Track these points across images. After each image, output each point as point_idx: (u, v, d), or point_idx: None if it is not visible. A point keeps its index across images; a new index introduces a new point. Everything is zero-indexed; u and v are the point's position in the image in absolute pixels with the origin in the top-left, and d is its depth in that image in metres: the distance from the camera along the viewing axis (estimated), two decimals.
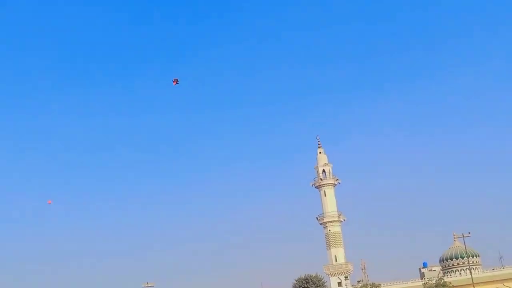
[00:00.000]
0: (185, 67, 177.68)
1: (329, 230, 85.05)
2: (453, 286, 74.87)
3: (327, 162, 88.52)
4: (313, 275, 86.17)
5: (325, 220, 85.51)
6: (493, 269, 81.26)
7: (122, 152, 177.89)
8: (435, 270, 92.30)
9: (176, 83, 74.68)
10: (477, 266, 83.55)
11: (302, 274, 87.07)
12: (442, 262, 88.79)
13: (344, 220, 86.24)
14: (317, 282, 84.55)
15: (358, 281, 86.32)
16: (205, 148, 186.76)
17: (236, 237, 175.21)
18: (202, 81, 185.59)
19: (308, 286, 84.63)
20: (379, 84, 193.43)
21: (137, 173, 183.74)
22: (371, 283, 77.55)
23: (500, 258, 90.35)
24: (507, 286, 77.51)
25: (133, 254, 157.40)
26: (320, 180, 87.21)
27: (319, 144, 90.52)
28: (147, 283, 78.53)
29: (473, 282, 71.02)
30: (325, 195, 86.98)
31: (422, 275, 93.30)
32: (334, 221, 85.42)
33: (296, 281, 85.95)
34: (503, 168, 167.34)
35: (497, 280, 77.07)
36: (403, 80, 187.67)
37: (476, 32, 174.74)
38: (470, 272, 74.22)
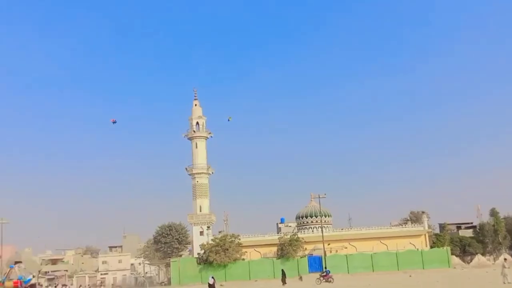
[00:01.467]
0: None
1: (197, 182, 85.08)
2: (305, 241, 77.51)
3: (201, 115, 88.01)
4: (177, 223, 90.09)
5: (194, 172, 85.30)
6: (342, 229, 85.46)
7: None
8: (290, 226, 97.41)
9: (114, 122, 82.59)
10: (329, 225, 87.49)
11: (166, 221, 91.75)
12: (298, 219, 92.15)
13: (212, 173, 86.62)
14: (180, 230, 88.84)
15: (219, 232, 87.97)
16: None
17: (102, 182, 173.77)
18: None
19: (171, 233, 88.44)
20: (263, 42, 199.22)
21: None
22: (231, 234, 79.08)
23: (349, 220, 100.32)
24: (352, 245, 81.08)
25: None
26: (193, 132, 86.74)
27: (195, 96, 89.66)
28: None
29: (323, 239, 73.52)
30: (196, 147, 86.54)
31: (279, 230, 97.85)
32: (202, 173, 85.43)
33: (159, 227, 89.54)
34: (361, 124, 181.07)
35: (344, 239, 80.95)
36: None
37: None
38: (322, 230, 76.31)
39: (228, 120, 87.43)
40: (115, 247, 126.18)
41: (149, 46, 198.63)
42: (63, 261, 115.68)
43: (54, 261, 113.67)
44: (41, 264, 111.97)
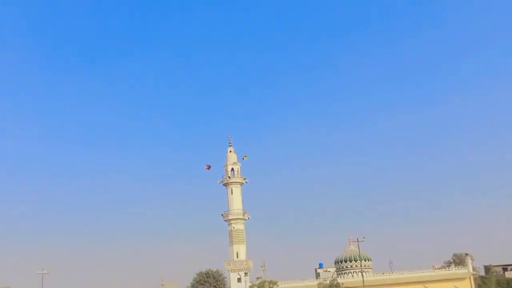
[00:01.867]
0: None
1: (233, 227, 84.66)
2: (345, 286, 77.51)
3: (236, 161, 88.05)
4: (214, 270, 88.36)
5: (229, 217, 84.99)
6: (383, 273, 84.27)
7: None
8: (329, 271, 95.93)
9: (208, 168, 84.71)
10: (369, 270, 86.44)
11: (203, 268, 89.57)
12: (336, 264, 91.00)
13: (248, 218, 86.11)
14: (217, 277, 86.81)
15: (257, 278, 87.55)
16: None
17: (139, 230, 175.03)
18: None
19: (209, 280, 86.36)
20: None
21: None
22: (269, 280, 78.76)
23: (390, 263, 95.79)
24: None
25: None
26: (228, 178, 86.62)
27: (230, 143, 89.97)
28: None
29: (363, 284, 73.68)
30: (231, 193, 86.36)
31: (318, 275, 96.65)
32: (238, 218, 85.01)
33: (197, 275, 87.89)
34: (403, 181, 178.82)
35: (386, 284, 79.86)
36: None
37: None
38: (362, 275, 77.74)
39: (243, 158, 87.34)
40: None
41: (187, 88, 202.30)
42: None
43: None
44: None
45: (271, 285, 77.14)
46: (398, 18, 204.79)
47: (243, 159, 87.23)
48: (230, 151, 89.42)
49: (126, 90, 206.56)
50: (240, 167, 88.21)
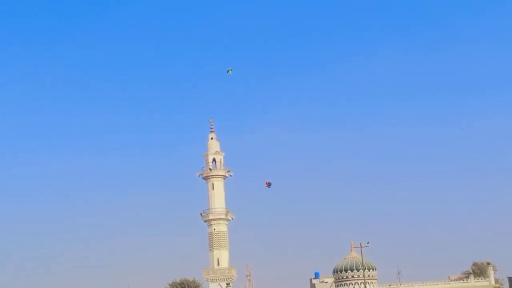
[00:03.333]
0: None
1: (214, 229, 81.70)
2: None
3: (218, 150, 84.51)
4: (190, 279, 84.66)
5: (210, 217, 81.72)
6: (389, 285, 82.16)
7: None
8: (327, 282, 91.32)
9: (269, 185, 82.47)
10: (373, 281, 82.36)
11: (178, 277, 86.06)
12: (335, 273, 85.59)
13: (232, 218, 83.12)
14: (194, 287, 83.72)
15: None
16: None
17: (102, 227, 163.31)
18: None
19: None
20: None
21: None
22: None
23: (398, 273, 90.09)
24: None
25: None
26: (208, 171, 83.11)
27: (211, 128, 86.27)
28: None
29: None
30: (213, 188, 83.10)
31: (313, 287, 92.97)
32: (220, 219, 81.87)
33: (169, 285, 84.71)
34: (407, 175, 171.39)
35: None
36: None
37: None
38: (365, 287, 74.35)
39: (228, 71, 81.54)
40: None
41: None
42: None
43: None
44: None
45: None
46: None
47: (228, 72, 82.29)
48: (212, 138, 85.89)
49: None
50: (224, 157, 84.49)
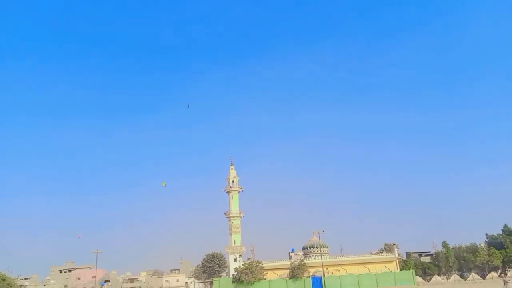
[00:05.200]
0: None
1: (232, 222, 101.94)
2: (309, 266, 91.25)
3: (235, 176, 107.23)
4: (218, 252, 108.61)
5: (230, 215, 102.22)
6: (336, 257, 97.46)
7: None
8: (298, 255, 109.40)
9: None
10: (326, 254, 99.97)
11: (210, 251, 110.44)
12: (304, 249, 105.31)
13: (243, 216, 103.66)
14: (220, 258, 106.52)
15: (248, 259, 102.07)
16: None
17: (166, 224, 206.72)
18: None
19: (214, 260, 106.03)
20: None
21: None
22: (256, 261, 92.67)
23: (341, 249, 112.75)
24: (344, 268, 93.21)
25: None
26: (229, 188, 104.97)
27: (231, 163, 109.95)
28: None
29: (322, 264, 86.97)
30: (232, 198, 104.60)
31: (290, 257, 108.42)
32: (236, 216, 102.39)
33: (205, 256, 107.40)
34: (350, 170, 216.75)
35: (338, 264, 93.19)
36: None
37: None
38: (321, 258, 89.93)
39: (163, 185, 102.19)
40: (175, 270, 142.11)
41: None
42: (138, 280, 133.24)
43: (132, 280, 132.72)
44: (122, 283, 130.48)
45: (257, 264, 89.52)
46: None
47: (163, 185, 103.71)
48: (232, 169, 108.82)
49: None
50: (239, 180, 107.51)
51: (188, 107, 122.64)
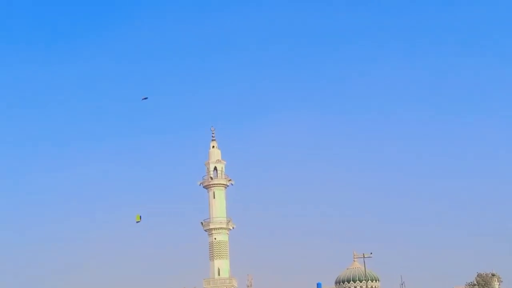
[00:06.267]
0: None
1: (215, 239, 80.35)
2: None
3: (220, 159, 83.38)
4: None
5: (211, 227, 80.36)
6: None
7: None
8: None
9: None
10: None
11: (178, 287, 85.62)
12: (338, 284, 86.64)
13: (233, 227, 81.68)
14: None
15: None
16: None
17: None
18: None
19: None
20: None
21: None
22: None
23: (401, 284, 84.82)
24: None
25: None
26: (209, 179, 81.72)
27: (213, 136, 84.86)
28: None
29: None
30: (214, 197, 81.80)
31: None
32: (221, 228, 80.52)
33: None
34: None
35: None
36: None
37: None
38: None
39: (136, 221, 79.63)
40: None
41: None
42: None
43: None
44: None
45: None
46: None
47: (136, 221, 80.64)
48: (213, 146, 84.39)
49: None
50: (225, 166, 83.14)
51: (144, 99, 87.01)
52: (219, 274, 78.79)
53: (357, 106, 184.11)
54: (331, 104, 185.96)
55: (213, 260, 79.58)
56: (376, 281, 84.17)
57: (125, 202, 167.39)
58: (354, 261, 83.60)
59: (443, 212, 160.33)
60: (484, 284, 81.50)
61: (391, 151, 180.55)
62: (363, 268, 75.08)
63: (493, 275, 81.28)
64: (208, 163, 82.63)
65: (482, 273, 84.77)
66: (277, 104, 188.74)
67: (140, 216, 78.93)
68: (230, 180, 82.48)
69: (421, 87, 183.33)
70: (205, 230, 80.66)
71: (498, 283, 79.42)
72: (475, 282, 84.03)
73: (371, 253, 68.35)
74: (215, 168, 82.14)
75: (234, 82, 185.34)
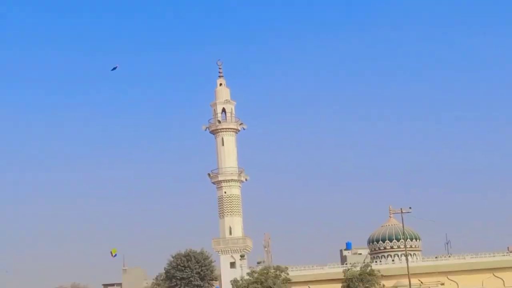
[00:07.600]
0: None
1: (225, 193, 76.59)
2: (382, 275, 70.28)
3: (229, 99, 78.19)
4: (198, 250, 77.99)
5: (220, 179, 76.08)
6: (436, 257, 77.28)
7: None
8: (361, 254, 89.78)
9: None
10: (416, 252, 78.52)
11: (183, 248, 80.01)
12: (371, 244, 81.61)
13: (246, 180, 77.75)
14: (201, 261, 76.72)
15: (258, 262, 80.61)
16: None
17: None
18: None
19: (190, 265, 76.61)
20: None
21: None
22: (275, 266, 69.94)
23: (447, 243, 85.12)
24: (452, 280, 72.04)
25: None
26: (217, 123, 77.00)
27: (220, 73, 79.54)
28: None
29: (409, 272, 64.94)
30: (222, 144, 77.38)
31: (344, 259, 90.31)
32: (232, 180, 76.39)
33: (173, 257, 78.12)
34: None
35: (440, 272, 72.09)
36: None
37: None
38: (407, 259, 67.73)
39: (112, 255, 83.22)
40: (112, 285, 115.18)
41: None
42: None
43: None
44: None
45: (278, 272, 67.39)
46: None
47: (112, 255, 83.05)
48: (221, 84, 79.18)
49: None
50: (235, 107, 78.53)
51: (114, 68, 78.57)
52: (230, 233, 76.25)
53: (389, 42, 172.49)
54: (361, 34, 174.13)
55: (223, 217, 76.89)
56: (416, 239, 78.83)
57: (122, 153, 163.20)
58: (390, 217, 78.60)
59: (494, 161, 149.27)
60: None
61: (429, 95, 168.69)
62: (401, 225, 70.31)
63: None
64: (215, 104, 78.10)
65: None
66: (296, 30, 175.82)
67: (116, 250, 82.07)
68: (242, 124, 78.45)
69: None
70: (213, 183, 77.48)
71: None
72: None
73: (410, 208, 64.45)
74: (224, 110, 77.85)
75: (245, 7, 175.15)
